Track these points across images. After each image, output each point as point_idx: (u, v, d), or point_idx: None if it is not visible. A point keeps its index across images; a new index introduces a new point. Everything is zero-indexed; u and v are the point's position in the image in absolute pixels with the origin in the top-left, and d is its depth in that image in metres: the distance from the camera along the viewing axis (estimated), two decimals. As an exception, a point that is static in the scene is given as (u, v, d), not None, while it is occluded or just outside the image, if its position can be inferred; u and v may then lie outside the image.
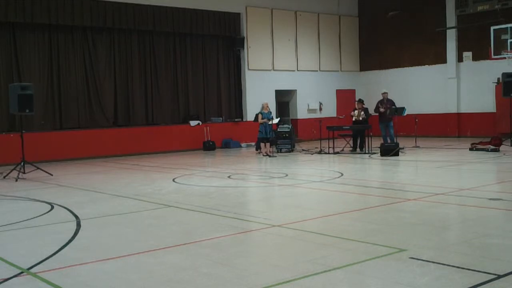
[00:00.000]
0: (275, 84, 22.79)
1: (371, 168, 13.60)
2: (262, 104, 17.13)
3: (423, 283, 4.53)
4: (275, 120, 17.64)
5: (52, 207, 8.72)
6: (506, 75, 17.02)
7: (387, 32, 24.34)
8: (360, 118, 17.00)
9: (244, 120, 22.00)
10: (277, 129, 18.09)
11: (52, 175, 13.00)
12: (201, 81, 21.44)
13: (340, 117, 18.88)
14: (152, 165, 15.25)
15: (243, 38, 21.85)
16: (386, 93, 17.69)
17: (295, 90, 23.65)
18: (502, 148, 15.73)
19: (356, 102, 17.59)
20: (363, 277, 4.79)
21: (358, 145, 16.87)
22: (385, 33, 24.46)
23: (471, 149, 16.03)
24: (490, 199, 8.25)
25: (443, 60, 22.57)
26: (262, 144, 17.07)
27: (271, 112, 17.28)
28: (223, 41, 21.98)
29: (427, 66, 23.22)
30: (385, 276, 4.74)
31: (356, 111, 17.17)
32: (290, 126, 18.66)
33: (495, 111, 20.55)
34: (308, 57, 23.84)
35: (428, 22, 22.69)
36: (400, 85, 23.58)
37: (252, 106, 21.24)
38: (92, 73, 18.88)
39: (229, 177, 12.11)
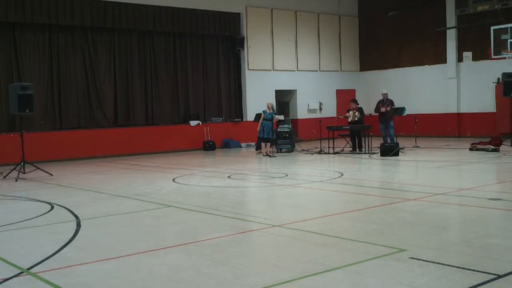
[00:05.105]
0: (275, 84, 22.78)
1: (371, 168, 13.59)
2: (267, 104, 17.12)
3: (423, 283, 4.53)
4: (280, 116, 17.58)
5: (52, 207, 8.71)
6: (506, 75, 17.01)
7: (387, 32, 24.34)
8: (356, 119, 16.98)
9: (244, 120, 22.00)
10: (277, 128, 18.09)
11: (52, 175, 12.99)
12: (201, 81, 21.44)
13: (340, 117, 18.87)
14: (152, 165, 15.24)
15: (243, 38, 21.85)
16: (387, 93, 17.68)
17: (295, 90, 23.64)
18: (502, 148, 15.72)
19: (350, 103, 17.53)
20: (363, 277, 4.79)
21: (357, 145, 16.87)
22: (385, 33, 24.46)
23: (471, 149, 16.02)
24: (490, 199, 8.25)
25: (443, 60, 22.56)
26: (262, 144, 17.07)
27: (274, 112, 17.27)
28: (223, 41, 21.99)
29: (427, 66, 23.21)
30: (385, 276, 4.74)
31: (350, 112, 17.14)
32: (290, 126, 18.65)
33: (495, 111, 20.55)
34: (308, 57, 23.84)
35: (428, 22, 22.69)
36: (400, 85, 23.57)
37: (252, 106, 21.23)
38: (92, 73, 18.88)
39: (229, 177, 12.11)
